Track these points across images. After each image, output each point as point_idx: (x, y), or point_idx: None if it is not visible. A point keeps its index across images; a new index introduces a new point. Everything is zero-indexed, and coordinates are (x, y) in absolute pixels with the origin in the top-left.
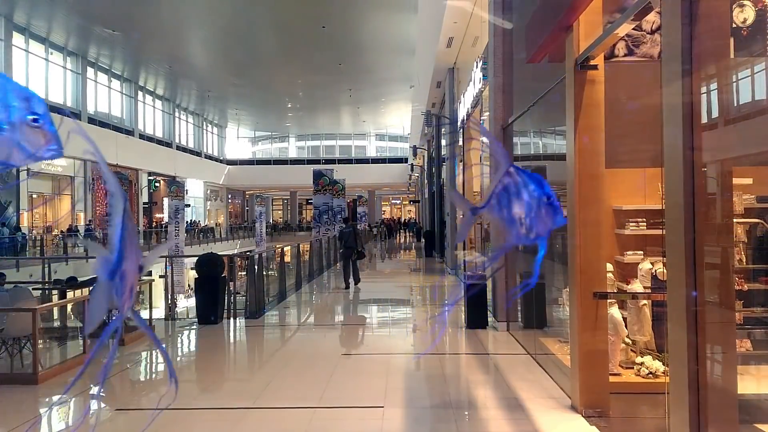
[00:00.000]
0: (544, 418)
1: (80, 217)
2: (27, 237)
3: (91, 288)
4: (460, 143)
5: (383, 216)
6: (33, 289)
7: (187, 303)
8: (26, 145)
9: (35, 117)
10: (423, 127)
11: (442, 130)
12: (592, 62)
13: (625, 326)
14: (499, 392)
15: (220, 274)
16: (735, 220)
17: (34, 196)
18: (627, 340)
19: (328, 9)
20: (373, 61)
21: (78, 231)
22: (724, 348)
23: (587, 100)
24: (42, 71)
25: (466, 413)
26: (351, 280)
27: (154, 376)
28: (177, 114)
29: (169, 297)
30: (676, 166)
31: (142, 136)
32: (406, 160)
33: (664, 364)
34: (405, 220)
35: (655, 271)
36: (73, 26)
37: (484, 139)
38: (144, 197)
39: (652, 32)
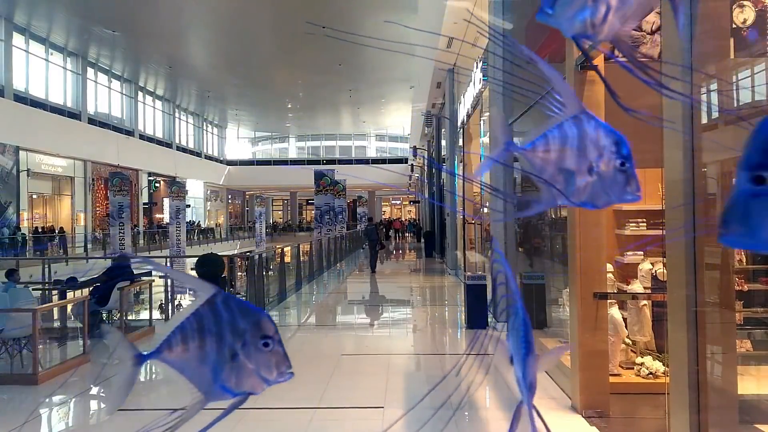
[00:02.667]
0: (544, 419)
1: (80, 218)
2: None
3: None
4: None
5: (384, 216)
6: (33, 289)
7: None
8: (613, 189)
9: (623, 161)
10: (423, 128)
11: (443, 130)
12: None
13: (626, 327)
14: (499, 392)
15: (220, 274)
16: None
17: (34, 196)
18: (627, 340)
19: (328, 9)
20: (373, 61)
21: (56, 234)
22: (724, 348)
23: (587, 101)
24: (42, 72)
25: (466, 413)
26: (375, 262)
27: (154, 376)
28: (177, 114)
29: (170, 298)
30: (676, 166)
31: (142, 137)
32: (406, 161)
33: (664, 365)
34: (405, 220)
35: (655, 271)
36: (73, 27)
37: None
38: (144, 197)
39: (652, 32)
